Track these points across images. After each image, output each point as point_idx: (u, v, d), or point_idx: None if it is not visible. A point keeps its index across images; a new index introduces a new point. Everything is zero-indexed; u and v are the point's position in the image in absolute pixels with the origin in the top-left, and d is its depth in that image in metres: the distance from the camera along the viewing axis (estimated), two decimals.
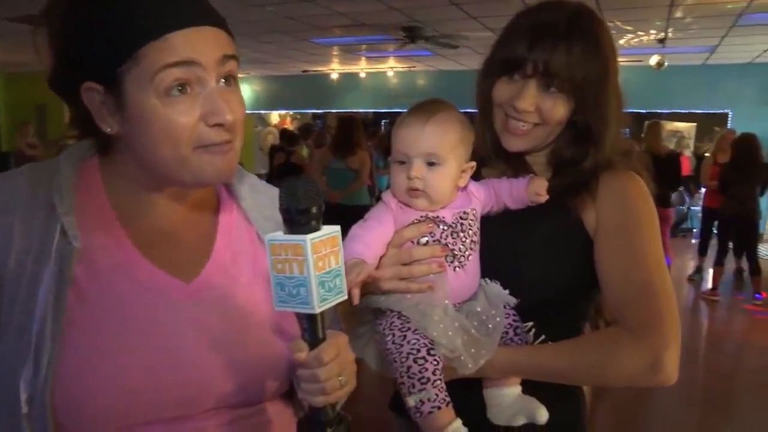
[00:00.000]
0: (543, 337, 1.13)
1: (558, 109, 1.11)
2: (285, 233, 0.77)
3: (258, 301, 0.93)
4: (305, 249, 0.74)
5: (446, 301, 1.04)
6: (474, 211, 1.11)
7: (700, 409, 4.05)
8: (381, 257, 1.06)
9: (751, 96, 9.61)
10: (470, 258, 1.09)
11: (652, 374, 1.01)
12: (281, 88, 12.55)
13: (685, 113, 10.46)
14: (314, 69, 11.28)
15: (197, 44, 0.80)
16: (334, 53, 9.68)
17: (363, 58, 10.09)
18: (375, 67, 10.96)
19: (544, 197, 1.10)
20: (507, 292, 1.09)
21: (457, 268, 1.07)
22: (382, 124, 11.88)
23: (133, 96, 0.80)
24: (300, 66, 10.96)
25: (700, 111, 10.26)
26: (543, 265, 1.12)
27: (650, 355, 1.00)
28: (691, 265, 7.67)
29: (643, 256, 1.08)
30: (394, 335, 1.03)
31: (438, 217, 1.07)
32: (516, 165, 1.19)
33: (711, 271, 6.63)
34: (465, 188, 1.12)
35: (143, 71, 0.78)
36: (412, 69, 10.83)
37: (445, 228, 1.07)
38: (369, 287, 1.08)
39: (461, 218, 1.09)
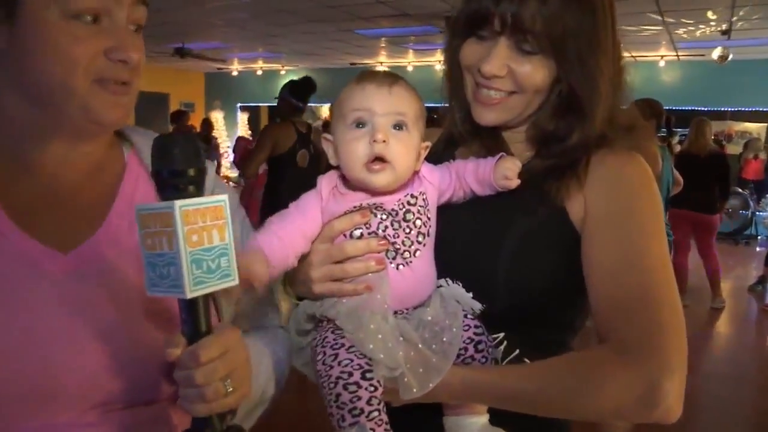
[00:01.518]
0: (517, 352, 0.94)
1: (535, 72, 0.91)
2: (157, 200, 0.63)
3: None
4: (174, 218, 0.60)
5: (385, 306, 0.86)
6: (423, 196, 0.92)
7: None
8: (307, 254, 0.90)
9: None
10: (418, 254, 0.90)
11: (646, 407, 0.78)
12: (330, 81, 12.51)
13: (750, 112, 9.78)
14: (362, 62, 11.19)
15: None
16: (381, 45, 9.57)
17: (411, 50, 9.94)
18: (423, 60, 10.78)
19: (513, 182, 0.91)
20: (471, 295, 0.91)
21: (401, 266, 0.89)
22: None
23: (32, 8, 0.73)
24: (347, 59, 10.90)
25: None
26: (518, 263, 0.92)
27: (646, 381, 0.78)
28: (753, 275, 7.15)
29: (640, 253, 0.86)
30: (325, 354, 0.85)
31: (376, 204, 0.89)
32: (490, 143, 1.00)
33: None
34: (416, 171, 0.94)
35: None
36: None
37: (384, 217, 0.89)
38: (302, 289, 0.92)
39: (408, 204, 0.90)
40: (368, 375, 0.82)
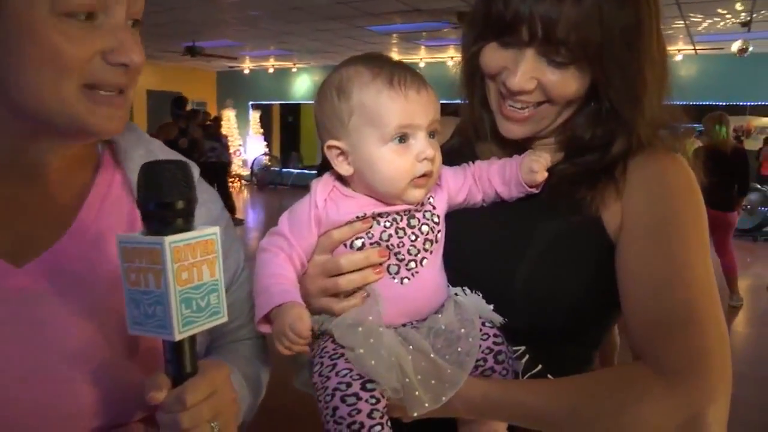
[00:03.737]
0: (540, 367, 0.88)
1: (568, 84, 0.82)
2: (143, 233, 0.59)
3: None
4: (163, 255, 0.56)
5: (384, 317, 0.80)
6: (430, 199, 0.86)
7: None
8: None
9: None
10: (425, 262, 0.83)
11: None
12: None
13: None
14: None
15: None
16: (393, 41, 9.50)
17: (423, 47, 9.86)
18: (435, 56, 10.70)
19: (541, 174, 0.84)
20: (491, 307, 0.85)
21: (406, 279, 0.83)
22: None
23: (16, 3, 0.63)
24: None
25: None
26: (544, 274, 0.85)
27: (689, 409, 0.71)
28: None
29: (683, 266, 0.79)
30: (322, 365, 0.79)
31: (382, 212, 0.82)
32: (513, 148, 0.92)
33: None
34: None
35: None
36: None
37: (388, 224, 0.82)
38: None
39: (413, 209, 0.84)
40: (369, 386, 0.76)
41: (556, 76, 0.82)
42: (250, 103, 13.88)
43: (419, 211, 0.84)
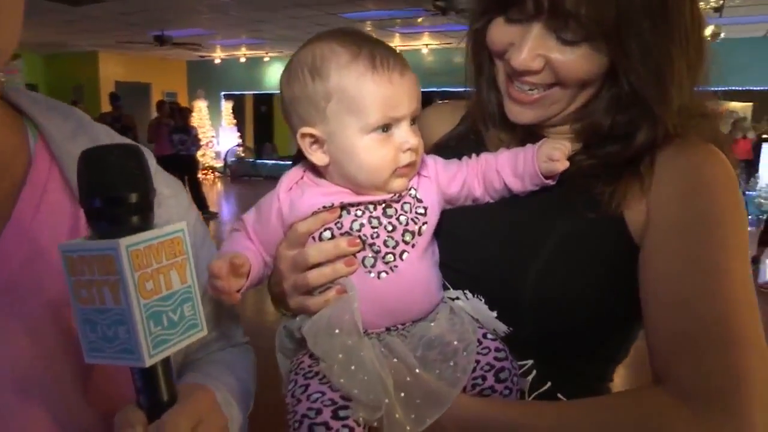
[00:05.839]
0: (549, 385, 0.79)
1: (579, 64, 0.72)
2: (90, 237, 0.48)
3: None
4: (119, 262, 0.45)
5: (356, 322, 0.70)
6: (414, 191, 0.77)
7: None
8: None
9: None
10: (405, 256, 0.74)
11: None
12: None
13: (740, 91, 9.69)
14: None
15: None
16: (367, 29, 9.36)
17: (397, 34, 9.75)
18: (409, 44, 10.58)
19: (561, 163, 0.74)
20: (495, 314, 0.76)
21: (384, 273, 0.73)
22: None
23: None
24: None
25: (759, 88, 9.50)
26: (556, 277, 0.75)
27: None
28: None
29: (720, 275, 0.67)
30: (296, 383, 0.71)
31: (360, 202, 0.74)
32: (524, 136, 0.81)
33: None
34: None
35: None
36: (447, 46, 10.38)
37: (360, 213, 0.74)
38: (281, 304, 0.79)
39: (391, 198, 0.75)
40: (342, 413, 0.67)
41: (566, 55, 0.72)
42: (222, 93, 13.57)
43: (397, 202, 0.75)
